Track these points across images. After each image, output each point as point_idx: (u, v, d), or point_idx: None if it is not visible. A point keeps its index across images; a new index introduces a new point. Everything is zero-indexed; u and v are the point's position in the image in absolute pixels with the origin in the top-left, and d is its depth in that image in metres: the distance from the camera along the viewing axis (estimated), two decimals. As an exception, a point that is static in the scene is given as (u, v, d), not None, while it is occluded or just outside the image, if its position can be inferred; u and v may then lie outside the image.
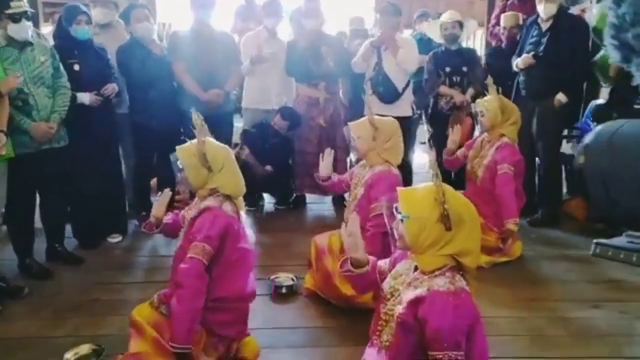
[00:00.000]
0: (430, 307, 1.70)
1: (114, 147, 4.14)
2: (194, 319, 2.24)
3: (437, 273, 1.76)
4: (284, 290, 3.39)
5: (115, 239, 4.18)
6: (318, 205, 5.14)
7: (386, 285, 1.92)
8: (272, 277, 3.47)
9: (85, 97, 3.71)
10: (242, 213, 2.51)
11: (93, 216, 4.03)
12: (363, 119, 3.27)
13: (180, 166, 2.45)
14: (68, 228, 4.04)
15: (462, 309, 1.70)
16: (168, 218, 2.62)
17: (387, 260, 2.08)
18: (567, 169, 4.87)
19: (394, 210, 1.83)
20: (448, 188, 1.79)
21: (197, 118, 2.41)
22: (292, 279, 3.46)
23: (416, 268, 1.84)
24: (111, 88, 3.83)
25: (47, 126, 3.38)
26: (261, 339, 2.69)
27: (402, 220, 1.78)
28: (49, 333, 2.93)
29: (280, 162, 4.88)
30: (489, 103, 3.85)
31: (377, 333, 1.88)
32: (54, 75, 3.49)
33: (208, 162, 2.37)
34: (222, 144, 2.49)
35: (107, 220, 4.17)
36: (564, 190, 4.95)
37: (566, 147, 4.90)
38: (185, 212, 2.55)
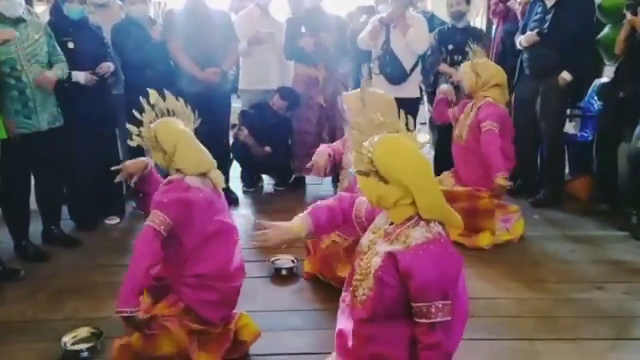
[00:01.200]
0: (413, 260, 1.64)
1: (110, 127, 4.07)
2: (138, 281, 2.18)
3: (409, 224, 1.71)
4: (283, 272, 3.35)
5: (112, 220, 4.13)
6: (317, 186, 5.09)
7: (365, 240, 1.86)
8: (272, 259, 3.43)
9: (80, 76, 3.64)
10: (219, 186, 2.45)
11: (90, 198, 3.98)
12: (356, 90, 3.18)
13: (145, 147, 2.43)
14: (64, 210, 3.99)
15: (446, 257, 1.66)
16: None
17: (360, 199, 2.02)
18: (569, 149, 4.81)
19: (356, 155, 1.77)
20: (380, 143, 1.71)
21: (153, 95, 2.37)
22: (292, 261, 3.42)
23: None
24: (106, 67, 3.76)
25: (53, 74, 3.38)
26: (261, 321, 2.65)
27: (370, 173, 1.74)
28: (46, 316, 2.90)
29: (279, 143, 4.81)
30: (463, 68, 3.85)
31: (352, 289, 1.83)
32: (51, 53, 3.43)
33: (160, 144, 2.34)
34: (178, 126, 2.40)
35: (104, 202, 4.12)
36: (566, 170, 4.89)
37: (569, 127, 4.84)
38: None
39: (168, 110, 2.43)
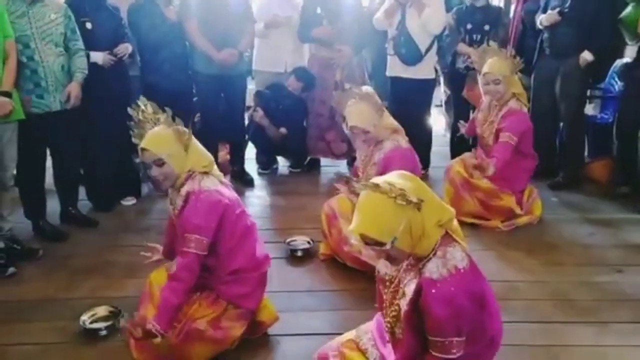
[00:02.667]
0: (427, 297, 1.61)
1: (126, 108, 4.05)
2: (178, 304, 2.19)
3: (430, 256, 1.65)
4: (299, 254, 3.35)
5: (129, 201, 4.15)
6: (333, 168, 5.07)
7: (381, 268, 1.85)
8: (288, 240, 3.43)
9: (98, 57, 3.63)
10: (226, 180, 2.41)
11: (107, 179, 3.99)
12: (363, 109, 3.04)
13: (163, 160, 2.19)
14: (82, 191, 4.01)
15: (460, 294, 1.60)
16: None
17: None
18: (589, 131, 4.73)
19: (371, 249, 1.67)
20: (385, 182, 1.64)
21: (146, 104, 2.29)
22: (308, 242, 3.41)
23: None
24: (124, 48, 3.74)
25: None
26: (277, 302, 2.65)
27: (392, 246, 1.61)
28: (64, 295, 2.92)
29: (295, 124, 4.78)
30: (501, 68, 3.61)
31: (388, 327, 1.81)
32: (70, 37, 3.41)
33: (182, 139, 2.23)
34: (172, 127, 2.27)
35: (121, 183, 4.13)
36: (586, 153, 4.82)
37: (589, 108, 4.76)
38: (169, 208, 2.41)
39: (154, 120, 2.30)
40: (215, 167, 2.38)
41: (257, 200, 4.41)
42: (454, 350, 1.62)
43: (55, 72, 3.34)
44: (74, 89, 3.41)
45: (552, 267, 3.19)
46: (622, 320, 2.67)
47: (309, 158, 5.02)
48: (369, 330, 1.90)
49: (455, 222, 1.72)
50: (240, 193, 4.06)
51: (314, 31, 4.64)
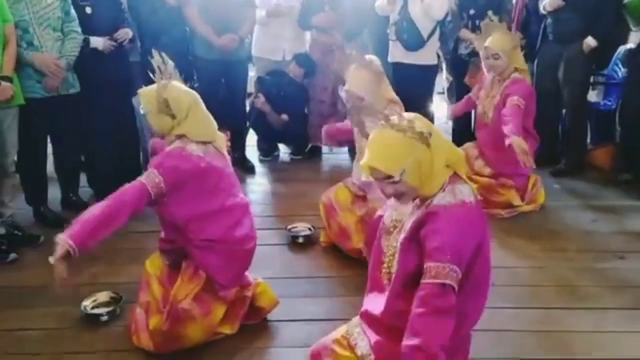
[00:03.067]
0: (432, 221, 1.57)
1: (128, 95, 4.04)
2: (100, 228, 2.07)
3: (436, 192, 1.63)
4: (300, 240, 3.35)
5: (130, 188, 4.13)
6: (334, 155, 5.05)
7: (387, 218, 1.80)
8: (289, 226, 3.42)
9: (98, 42, 3.59)
10: (224, 150, 2.38)
11: (108, 165, 3.97)
12: (362, 75, 3.00)
13: (142, 112, 2.28)
14: (83, 177, 4.00)
15: (468, 223, 1.57)
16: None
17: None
18: (592, 118, 4.70)
19: (378, 181, 1.66)
20: (402, 120, 1.63)
21: (158, 57, 2.25)
22: (309, 229, 3.41)
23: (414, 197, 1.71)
24: (124, 33, 3.70)
25: (53, 59, 3.27)
26: (278, 287, 2.65)
27: (401, 180, 1.60)
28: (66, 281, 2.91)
29: (296, 111, 4.76)
30: (502, 43, 3.58)
31: (381, 271, 1.78)
32: (64, 19, 3.38)
33: (171, 109, 2.21)
34: (187, 89, 2.31)
35: (123, 170, 4.11)
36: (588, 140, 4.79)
37: (592, 95, 4.73)
38: None
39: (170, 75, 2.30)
40: (219, 133, 2.36)
41: (258, 187, 4.40)
42: (448, 280, 1.52)
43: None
44: (47, 60, 3.28)
45: (554, 253, 3.18)
46: (623, 306, 2.67)
47: (310, 145, 5.01)
48: (358, 323, 1.86)
49: (464, 166, 1.72)
50: (241, 180, 4.06)
51: (314, 19, 4.60)
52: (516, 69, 3.64)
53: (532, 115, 3.69)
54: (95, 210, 2.09)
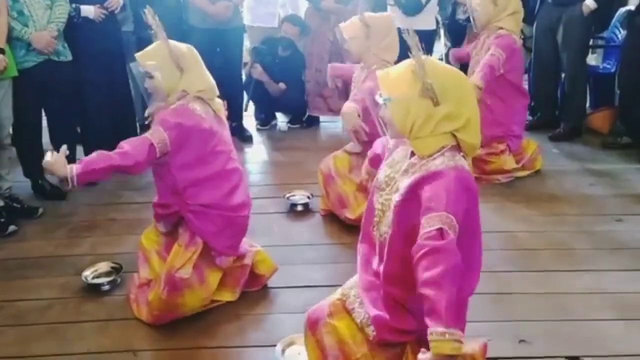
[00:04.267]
0: (429, 183, 1.53)
1: (121, 65, 3.99)
2: (107, 169, 2.09)
3: (435, 156, 1.58)
4: (299, 208, 3.35)
5: (127, 159, 4.11)
6: (332, 123, 5.02)
7: (381, 174, 1.74)
8: (288, 195, 3.42)
9: (90, 10, 3.53)
10: (222, 114, 2.37)
11: (104, 136, 3.93)
12: (354, 17, 3.05)
13: (151, 71, 2.21)
14: (80, 150, 3.98)
15: (463, 184, 1.53)
16: (78, 167, 2.06)
17: (383, 141, 1.90)
18: (591, 81, 4.67)
19: (376, 97, 1.65)
20: (429, 59, 1.59)
21: (151, 17, 2.23)
22: (308, 197, 3.41)
23: (413, 154, 1.66)
24: (115, 1, 3.64)
25: (48, 34, 3.25)
26: (277, 255, 2.66)
27: (385, 105, 1.60)
28: (66, 252, 2.94)
29: (293, 78, 4.71)
30: None
31: (373, 226, 1.73)
32: None
33: (177, 58, 2.21)
34: (184, 44, 2.31)
35: (118, 142, 4.07)
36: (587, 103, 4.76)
37: (591, 58, 4.68)
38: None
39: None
40: (217, 99, 2.35)
41: (256, 156, 4.39)
42: (447, 227, 1.44)
43: (43, 25, 3.27)
44: (43, 39, 3.25)
45: (552, 217, 3.19)
46: (621, 268, 2.68)
47: (307, 114, 4.97)
48: (354, 286, 1.84)
49: (474, 144, 1.64)
50: (239, 149, 4.05)
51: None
52: (501, 29, 3.58)
53: (517, 70, 3.65)
54: (101, 155, 2.10)
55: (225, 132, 2.39)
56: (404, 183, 1.61)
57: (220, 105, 2.37)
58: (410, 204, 1.57)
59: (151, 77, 2.22)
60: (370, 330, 1.68)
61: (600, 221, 3.13)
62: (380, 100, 1.62)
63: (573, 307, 2.41)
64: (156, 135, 2.14)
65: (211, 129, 2.27)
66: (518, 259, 2.75)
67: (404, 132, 1.61)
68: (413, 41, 1.56)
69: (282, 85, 4.64)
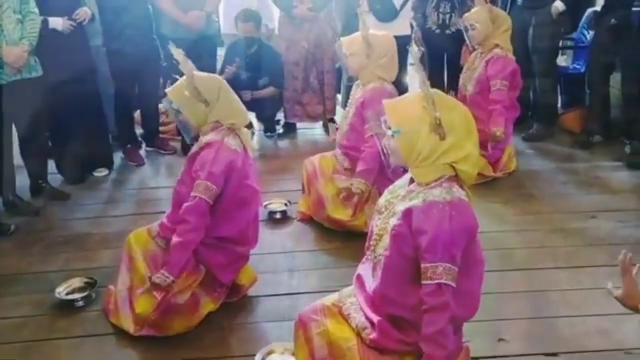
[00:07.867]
0: (425, 217, 1.59)
1: (91, 77, 3.93)
2: (188, 252, 2.21)
3: (433, 185, 1.63)
4: (278, 216, 3.33)
5: (101, 172, 4.05)
6: (309, 130, 5.00)
7: (382, 199, 1.80)
8: (265, 203, 3.40)
9: (58, 22, 3.49)
10: (250, 147, 2.41)
11: (76, 150, 3.88)
12: (356, 34, 3.09)
13: (176, 108, 2.28)
14: (51, 164, 3.92)
15: (459, 221, 1.58)
16: (173, 274, 2.21)
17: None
18: (562, 82, 4.73)
19: (382, 125, 1.69)
20: (437, 93, 1.64)
21: (177, 53, 2.24)
22: (285, 204, 3.40)
23: (412, 181, 1.72)
24: (83, 12, 3.60)
25: (20, 50, 3.19)
26: (258, 264, 2.65)
27: (392, 136, 1.64)
28: (40, 268, 2.88)
29: (271, 69, 4.59)
30: (478, 14, 3.70)
31: (371, 248, 1.78)
32: (22, 0, 3.26)
33: (202, 95, 2.23)
34: (211, 74, 2.38)
35: (92, 154, 4.03)
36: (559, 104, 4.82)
37: (561, 59, 4.76)
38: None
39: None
40: (244, 128, 2.38)
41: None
42: (445, 277, 1.55)
43: (15, 40, 3.20)
44: (12, 54, 3.19)
45: (528, 216, 3.23)
46: (596, 264, 2.71)
47: (283, 122, 4.94)
48: (351, 294, 1.86)
49: (473, 174, 1.69)
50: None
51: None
52: (497, 45, 3.67)
53: (518, 88, 3.78)
54: (174, 248, 2.21)
55: (250, 165, 2.40)
56: (401, 207, 1.67)
57: (247, 135, 2.39)
58: (405, 232, 1.63)
59: (179, 112, 2.28)
60: (367, 333, 1.71)
61: (575, 218, 3.17)
62: (388, 132, 1.66)
63: (550, 305, 2.43)
64: (207, 193, 2.20)
65: (243, 165, 2.31)
66: (495, 259, 2.76)
67: (407, 162, 1.67)
68: (421, 76, 1.63)
69: (246, 96, 4.38)
